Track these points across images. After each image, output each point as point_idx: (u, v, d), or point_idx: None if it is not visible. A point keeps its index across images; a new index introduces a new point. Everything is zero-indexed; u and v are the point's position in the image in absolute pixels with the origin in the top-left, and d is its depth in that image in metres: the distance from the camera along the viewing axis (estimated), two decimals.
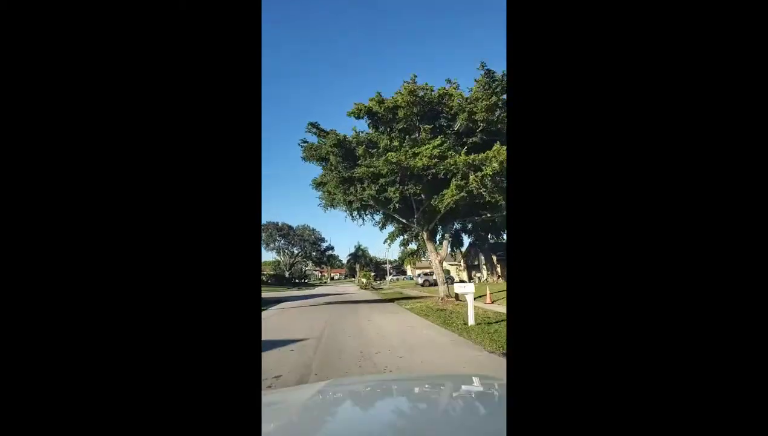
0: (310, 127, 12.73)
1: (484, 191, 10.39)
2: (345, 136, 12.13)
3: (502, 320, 7.74)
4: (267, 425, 0.87)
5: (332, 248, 55.36)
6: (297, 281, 61.01)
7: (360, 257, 57.02)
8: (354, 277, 79.49)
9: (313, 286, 46.85)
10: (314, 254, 54.78)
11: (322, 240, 54.72)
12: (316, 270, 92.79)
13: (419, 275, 30.48)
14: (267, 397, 1.27)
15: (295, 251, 52.52)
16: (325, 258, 55.38)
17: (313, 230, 53.24)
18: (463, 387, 1.50)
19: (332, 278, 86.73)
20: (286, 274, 51.83)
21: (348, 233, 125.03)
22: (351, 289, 33.16)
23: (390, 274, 47.19)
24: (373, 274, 41.52)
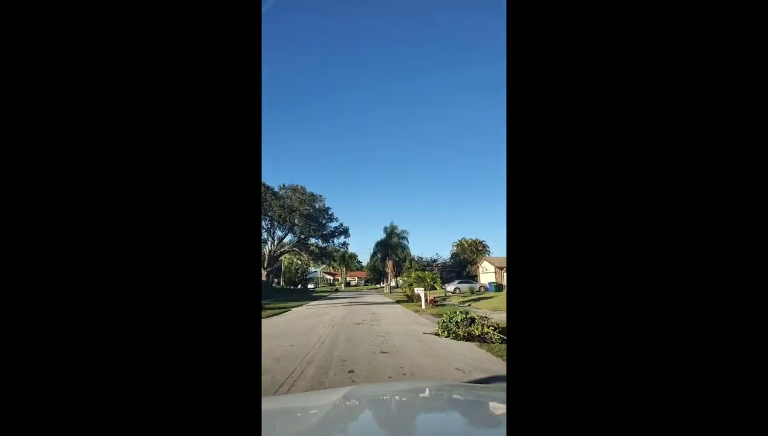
0: None
1: None
2: None
3: None
4: (285, 430, 1.02)
5: (346, 233, 30.93)
6: (292, 286, 37.53)
7: (394, 248, 32.13)
8: (381, 282, 55.10)
9: (305, 297, 22.86)
10: (314, 240, 30.25)
11: (328, 216, 30.28)
12: (326, 272, 69.55)
13: None
14: (284, 401, 1.52)
15: (280, 234, 28.33)
16: (331, 246, 30.73)
17: (313, 194, 28.92)
18: (483, 395, 1.50)
19: (348, 284, 62.92)
20: (263, 274, 27.33)
21: (366, 221, 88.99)
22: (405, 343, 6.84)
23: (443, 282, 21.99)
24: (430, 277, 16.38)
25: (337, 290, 45.08)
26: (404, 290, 22.10)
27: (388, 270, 33.07)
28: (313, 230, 28.68)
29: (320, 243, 30.75)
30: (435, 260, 36.56)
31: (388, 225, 33.38)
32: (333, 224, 30.97)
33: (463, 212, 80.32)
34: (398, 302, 19.12)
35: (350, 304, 17.80)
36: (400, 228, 33.50)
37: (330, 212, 30.79)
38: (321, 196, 29.55)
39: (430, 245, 67.66)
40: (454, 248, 40.71)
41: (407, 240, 33.70)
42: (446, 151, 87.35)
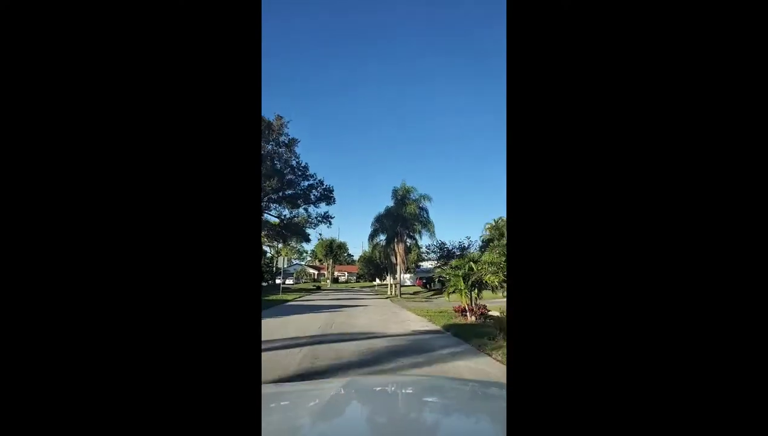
0: None
1: None
2: None
3: None
4: (281, 419, 1.03)
5: (329, 198, 18.21)
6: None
7: (409, 223, 19.51)
8: (378, 278, 42.86)
9: None
10: (273, 211, 17.51)
11: (301, 170, 17.56)
12: (311, 265, 57.41)
13: None
14: (280, 388, 1.50)
15: None
16: (302, 216, 17.93)
17: (269, 121, 16.10)
18: (482, 390, 1.48)
19: (335, 280, 50.51)
20: None
21: (358, 211, 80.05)
22: None
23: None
24: None
25: (318, 288, 32.45)
26: (454, 291, 9.76)
27: (397, 259, 20.65)
28: (267, 179, 15.94)
29: (285, 212, 18.04)
30: (467, 247, 24.21)
31: (398, 186, 20.70)
32: (307, 183, 18.32)
33: (485, 192, 68.26)
34: (452, 330, 6.83)
35: (321, 343, 5.55)
36: (418, 192, 20.79)
37: (303, 164, 18.08)
38: (281, 119, 16.68)
39: (443, 233, 55.45)
40: (487, 232, 28.39)
41: (427, 213, 21.11)
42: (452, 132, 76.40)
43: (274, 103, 58.21)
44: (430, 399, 1.33)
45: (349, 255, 67.95)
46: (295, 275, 53.74)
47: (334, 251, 51.73)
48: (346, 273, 56.93)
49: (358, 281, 55.30)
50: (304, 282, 51.91)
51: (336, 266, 53.48)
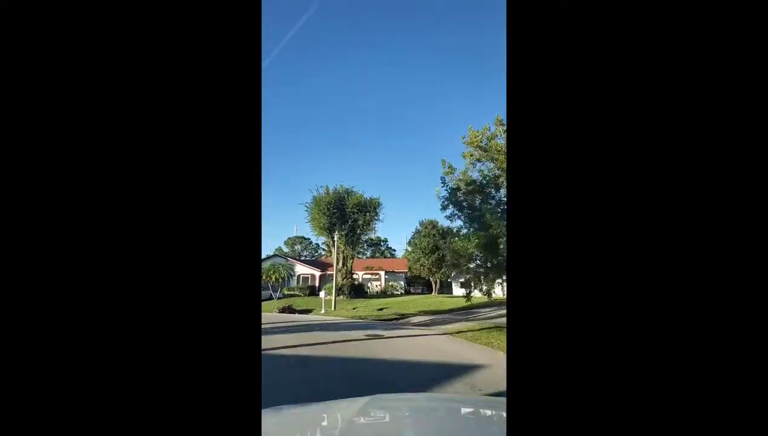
0: None
1: None
2: None
3: None
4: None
5: None
6: None
7: None
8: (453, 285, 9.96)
9: None
10: None
11: None
12: (311, 263, 27.91)
13: None
14: (300, 411, 1.35)
15: None
16: None
17: None
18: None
19: (359, 289, 19.08)
20: None
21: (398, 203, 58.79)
22: None
23: None
24: None
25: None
26: None
27: None
28: None
29: None
30: None
31: None
32: None
33: None
34: None
35: None
36: None
37: None
38: None
39: None
40: None
41: None
42: None
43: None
44: (460, 418, 1.32)
45: (391, 249, 37.08)
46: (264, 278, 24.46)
47: (348, 219, 21.82)
48: (381, 274, 26.48)
49: (409, 293, 24.66)
50: (286, 297, 22.44)
51: (353, 257, 23.49)
